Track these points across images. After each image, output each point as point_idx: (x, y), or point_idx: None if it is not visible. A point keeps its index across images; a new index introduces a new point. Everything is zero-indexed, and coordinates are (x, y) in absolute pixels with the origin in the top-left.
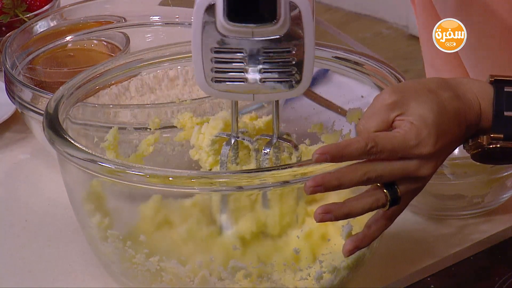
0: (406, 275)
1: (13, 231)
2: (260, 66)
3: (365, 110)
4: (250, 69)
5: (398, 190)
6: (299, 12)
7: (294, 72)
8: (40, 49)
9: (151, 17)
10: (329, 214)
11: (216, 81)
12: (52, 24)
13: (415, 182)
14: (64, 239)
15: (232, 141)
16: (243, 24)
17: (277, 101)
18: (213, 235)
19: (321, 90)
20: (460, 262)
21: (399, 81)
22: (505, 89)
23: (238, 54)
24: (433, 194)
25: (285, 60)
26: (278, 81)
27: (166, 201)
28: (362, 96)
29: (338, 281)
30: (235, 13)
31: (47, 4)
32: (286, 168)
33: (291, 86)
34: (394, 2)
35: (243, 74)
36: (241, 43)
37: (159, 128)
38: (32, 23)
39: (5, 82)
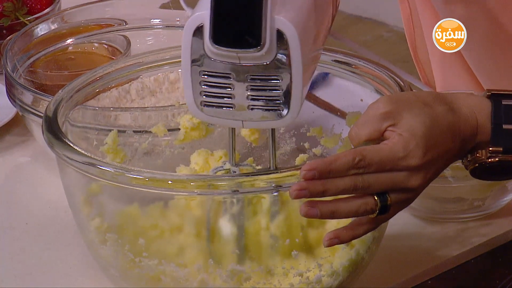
0: (406, 278)
1: (13, 234)
2: (248, 93)
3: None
4: (237, 95)
5: (389, 198)
6: (286, 39)
7: (281, 101)
8: (41, 52)
9: (152, 20)
10: (315, 209)
11: (205, 105)
12: (53, 27)
13: (405, 193)
14: (64, 242)
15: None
16: (228, 49)
17: (273, 131)
18: (212, 238)
19: (321, 93)
20: (460, 265)
21: (399, 84)
22: (502, 102)
23: (225, 79)
24: (434, 197)
25: (272, 88)
26: (266, 109)
27: (164, 204)
28: (362, 100)
29: (337, 284)
30: (220, 36)
31: (48, 7)
32: (288, 171)
33: (280, 116)
34: (394, 5)
35: (231, 99)
36: (228, 68)
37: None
38: (32, 26)
39: (6, 85)
